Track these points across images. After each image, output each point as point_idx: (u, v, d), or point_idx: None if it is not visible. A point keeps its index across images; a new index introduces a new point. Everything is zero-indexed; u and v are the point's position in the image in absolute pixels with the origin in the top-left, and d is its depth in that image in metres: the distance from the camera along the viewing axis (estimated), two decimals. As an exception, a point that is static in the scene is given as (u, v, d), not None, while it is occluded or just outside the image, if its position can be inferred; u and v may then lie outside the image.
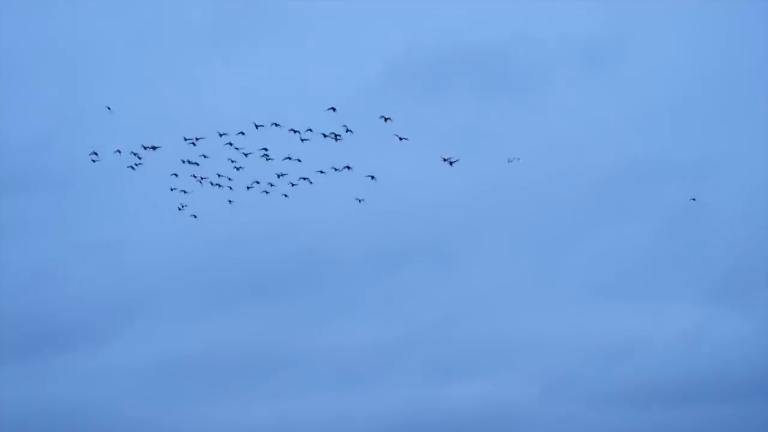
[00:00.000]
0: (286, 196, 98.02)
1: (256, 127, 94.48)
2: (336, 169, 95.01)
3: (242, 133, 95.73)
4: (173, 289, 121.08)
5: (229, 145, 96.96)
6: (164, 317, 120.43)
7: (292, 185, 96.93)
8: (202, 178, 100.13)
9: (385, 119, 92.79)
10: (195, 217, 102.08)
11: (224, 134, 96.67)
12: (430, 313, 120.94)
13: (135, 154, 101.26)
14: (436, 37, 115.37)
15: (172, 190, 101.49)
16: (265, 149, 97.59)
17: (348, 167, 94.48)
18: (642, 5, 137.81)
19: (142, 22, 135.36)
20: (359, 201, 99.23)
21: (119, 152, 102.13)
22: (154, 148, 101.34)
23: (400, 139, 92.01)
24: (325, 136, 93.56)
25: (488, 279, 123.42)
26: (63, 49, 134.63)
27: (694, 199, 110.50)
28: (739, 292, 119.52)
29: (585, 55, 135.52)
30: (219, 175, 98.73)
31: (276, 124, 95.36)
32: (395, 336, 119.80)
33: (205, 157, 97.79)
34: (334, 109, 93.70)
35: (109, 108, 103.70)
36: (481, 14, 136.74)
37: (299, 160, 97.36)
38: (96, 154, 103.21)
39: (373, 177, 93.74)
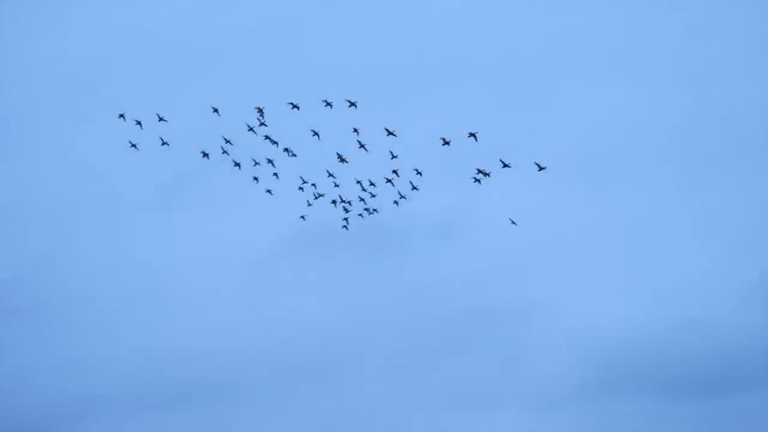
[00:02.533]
0: None
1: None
2: None
3: None
4: (120, 395, 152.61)
5: None
6: (111, 417, 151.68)
7: None
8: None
9: None
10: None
11: None
12: (317, 419, 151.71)
13: (138, 123, 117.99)
14: (324, 214, 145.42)
15: None
16: None
17: None
18: (485, 189, 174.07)
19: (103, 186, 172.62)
20: None
21: (122, 117, 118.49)
22: (161, 119, 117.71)
23: None
24: None
25: (362, 391, 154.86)
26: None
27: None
28: (552, 404, 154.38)
29: (440, 226, 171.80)
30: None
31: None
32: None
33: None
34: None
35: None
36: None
37: None
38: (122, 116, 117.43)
39: None
